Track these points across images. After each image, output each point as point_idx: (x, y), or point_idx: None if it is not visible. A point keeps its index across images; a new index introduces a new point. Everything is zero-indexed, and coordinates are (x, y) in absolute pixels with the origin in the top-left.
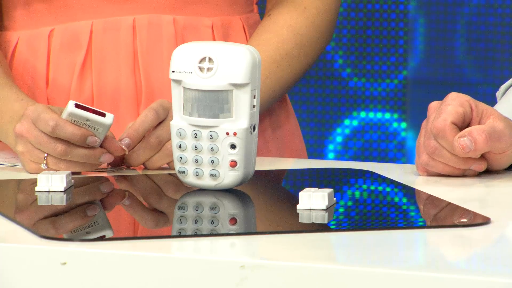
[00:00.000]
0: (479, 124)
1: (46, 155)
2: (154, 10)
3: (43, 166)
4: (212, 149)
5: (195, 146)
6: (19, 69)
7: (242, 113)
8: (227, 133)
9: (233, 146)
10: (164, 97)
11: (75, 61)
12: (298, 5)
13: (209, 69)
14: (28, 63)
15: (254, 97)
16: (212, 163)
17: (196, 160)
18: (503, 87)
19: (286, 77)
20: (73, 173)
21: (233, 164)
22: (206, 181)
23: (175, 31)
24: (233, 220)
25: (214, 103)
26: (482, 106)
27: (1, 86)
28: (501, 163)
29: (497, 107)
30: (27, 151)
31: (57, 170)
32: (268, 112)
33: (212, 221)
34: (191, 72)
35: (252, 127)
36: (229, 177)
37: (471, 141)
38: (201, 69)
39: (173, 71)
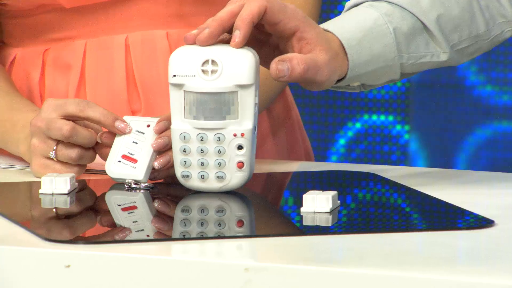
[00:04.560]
0: (302, 50)
1: (55, 147)
2: (146, 26)
3: (52, 154)
4: (219, 151)
5: (201, 149)
6: (16, 85)
7: (247, 113)
8: (235, 134)
9: (240, 147)
10: (165, 107)
11: (69, 81)
12: None
13: (213, 72)
14: (23, 81)
15: (256, 96)
16: (219, 165)
17: (202, 163)
18: (353, 0)
19: (274, 87)
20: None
21: (241, 165)
22: (212, 184)
23: (169, 45)
24: (240, 223)
25: (220, 105)
26: (313, 32)
27: (13, 100)
28: (313, 87)
29: (336, 22)
30: (39, 142)
31: (62, 167)
32: (267, 110)
33: (220, 223)
34: (194, 76)
35: (255, 127)
36: (236, 178)
37: (288, 69)
38: (204, 71)
39: (174, 75)
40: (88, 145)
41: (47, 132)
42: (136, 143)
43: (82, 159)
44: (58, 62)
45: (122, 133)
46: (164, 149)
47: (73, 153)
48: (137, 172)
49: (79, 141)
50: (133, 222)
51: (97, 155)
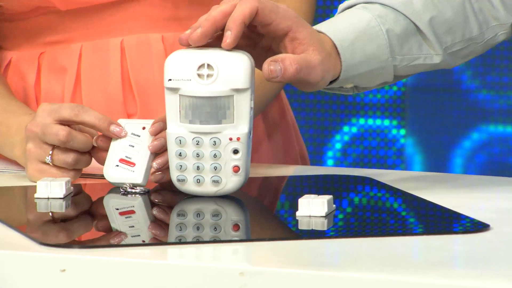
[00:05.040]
0: (295, 50)
1: (51, 151)
2: (142, 30)
3: (48, 159)
4: (215, 156)
5: (197, 154)
6: (12, 88)
7: (243, 117)
8: (230, 139)
9: (235, 151)
10: (160, 110)
11: (65, 84)
12: None
13: (209, 76)
14: (19, 84)
15: (252, 100)
16: (215, 169)
17: (198, 167)
18: (346, 3)
19: (268, 92)
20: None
21: (236, 169)
22: (207, 188)
23: (165, 48)
24: (235, 227)
25: (216, 109)
26: (306, 33)
27: (7, 103)
28: (307, 88)
29: (329, 23)
30: (34, 147)
31: (58, 172)
32: (262, 113)
33: (215, 227)
34: (190, 80)
35: (250, 131)
36: (231, 182)
37: (280, 69)
38: (200, 75)
39: (170, 79)
40: (84, 150)
41: (43, 137)
42: (133, 146)
43: (78, 163)
44: (54, 65)
45: (118, 137)
46: (160, 151)
47: (69, 157)
48: (136, 176)
49: (75, 146)
50: (129, 227)
51: (93, 159)
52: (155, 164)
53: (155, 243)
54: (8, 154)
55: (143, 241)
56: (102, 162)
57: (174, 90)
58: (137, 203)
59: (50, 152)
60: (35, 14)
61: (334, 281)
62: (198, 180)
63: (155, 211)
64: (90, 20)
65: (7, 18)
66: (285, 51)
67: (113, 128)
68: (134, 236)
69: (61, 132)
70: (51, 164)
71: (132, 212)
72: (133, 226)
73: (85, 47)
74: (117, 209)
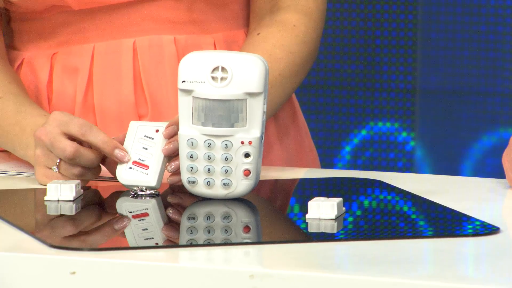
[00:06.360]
0: None
1: (59, 160)
2: (154, 31)
3: (54, 168)
4: (226, 158)
5: (208, 156)
6: (24, 85)
7: (256, 121)
8: (242, 142)
9: (247, 155)
10: (172, 112)
11: (77, 84)
12: (287, 23)
13: (222, 79)
14: (31, 84)
15: (265, 104)
16: (226, 172)
17: (209, 169)
18: None
19: (278, 97)
20: (82, 182)
21: (247, 173)
22: (218, 191)
23: (177, 50)
24: (246, 230)
25: (228, 112)
26: None
27: (21, 103)
28: None
29: None
30: (43, 154)
31: (65, 179)
32: (273, 116)
33: (226, 229)
34: (204, 82)
35: (262, 135)
36: (241, 185)
37: None
38: (214, 78)
39: (184, 81)
40: (91, 167)
41: (51, 148)
42: (146, 149)
43: (85, 175)
44: (66, 65)
45: (121, 162)
46: (174, 154)
47: (75, 170)
48: (150, 178)
49: (82, 163)
50: (142, 230)
51: (104, 168)
52: (170, 168)
53: (166, 246)
54: (21, 154)
55: (157, 243)
56: (113, 173)
57: (188, 92)
58: (150, 205)
59: (58, 162)
60: (48, 14)
61: (343, 283)
62: (208, 183)
63: (167, 214)
64: (103, 20)
65: (20, 18)
66: None
67: (117, 152)
68: (146, 239)
69: (68, 148)
70: (58, 172)
71: (146, 214)
72: (146, 229)
73: (97, 47)
74: (131, 212)
